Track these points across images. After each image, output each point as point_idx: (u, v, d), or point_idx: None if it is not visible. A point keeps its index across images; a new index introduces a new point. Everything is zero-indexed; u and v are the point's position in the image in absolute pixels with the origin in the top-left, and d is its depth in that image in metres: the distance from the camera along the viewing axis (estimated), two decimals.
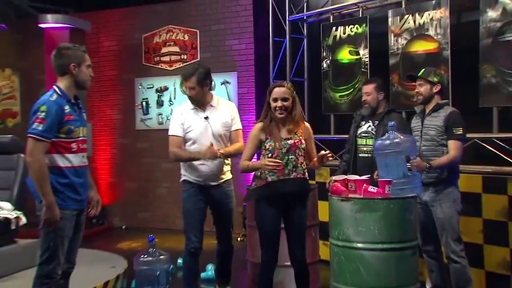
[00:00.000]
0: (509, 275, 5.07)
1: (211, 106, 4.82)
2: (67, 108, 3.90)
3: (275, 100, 4.38)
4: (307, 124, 4.58)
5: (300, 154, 4.43)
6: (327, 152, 4.41)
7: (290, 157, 4.39)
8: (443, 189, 4.54)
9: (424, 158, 4.52)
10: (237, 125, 4.93)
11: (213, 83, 4.89)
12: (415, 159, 4.40)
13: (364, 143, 5.17)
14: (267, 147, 4.40)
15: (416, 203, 4.38)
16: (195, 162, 4.74)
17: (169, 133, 4.83)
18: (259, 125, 4.48)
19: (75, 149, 3.95)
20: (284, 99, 4.37)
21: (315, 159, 4.44)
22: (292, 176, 4.39)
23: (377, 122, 5.09)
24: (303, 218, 4.55)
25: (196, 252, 4.79)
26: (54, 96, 3.88)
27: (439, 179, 4.53)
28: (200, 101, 4.76)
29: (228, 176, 4.97)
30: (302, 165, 4.44)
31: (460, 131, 4.50)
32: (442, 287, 4.75)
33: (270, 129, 4.42)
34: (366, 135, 5.16)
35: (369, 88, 5.16)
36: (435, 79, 4.65)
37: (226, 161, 4.90)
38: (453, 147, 4.49)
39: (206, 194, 4.85)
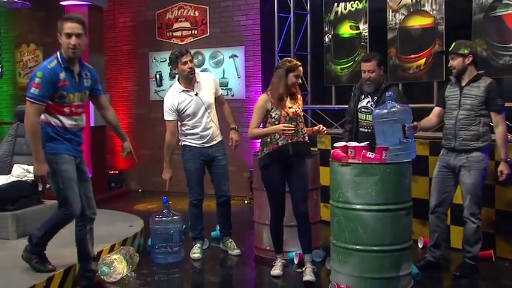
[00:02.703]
0: (494, 233, 5.14)
1: (197, 82, 5.20)
2: (62, 75, 4.00)
3: (297, 77, 4.60)
4: (300, 96, 4.81)
5: (300, 121, 4.66)
6: (320, 127, 4.63)
7: (293, 123, 4.57)
8: (475, 157, 4.48)
9: (460, 125, 4.49)
10: (220, 90, 5.50)
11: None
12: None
13: (364, 119, 5.13)
14: (272, 115, 4.58)
15: (410, 168, 4.40)
16: (197, 130, 5.18)
17: (165, 118, 5.24)
18: (265, 96, 4.66)
19: (68, 113, 4.09)
20: (301, 78, 4.67)
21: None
22: (294, 140, 4.60)
23: (376, 97, 5.01)
24: (304, 175, 4.74)
25: (198, 203, 5.34)
26: (52, 64, 4.00)
27: (474, 147, 4.47)
28: (193, 78, 5.16)
29: (219, 138, 5.36)
30: (302, 130, 4.66)
31: (501, 102, 4.44)
32: (442, 246, 4.77)
33: (279, 99, 4.59)
34: (366, 110, 5.10)
35: (372, 66, 4.96)
36: (466, 51, 4.48)
37: (217, 126, 5.34)
38: (499, 120, 4.43)
39: (203, 154, 5.26)
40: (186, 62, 5.05)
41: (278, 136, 4.56)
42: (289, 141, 4.58)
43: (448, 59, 4.64)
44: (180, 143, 5.32)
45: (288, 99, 4.66)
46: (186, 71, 5.07)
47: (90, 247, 4.35)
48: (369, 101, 5.09)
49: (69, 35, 3.99)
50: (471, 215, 4.52)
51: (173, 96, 5.16)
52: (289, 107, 4.62)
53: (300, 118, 4.66)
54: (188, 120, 5.18)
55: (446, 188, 4.65)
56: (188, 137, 5.25)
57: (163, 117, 5.25)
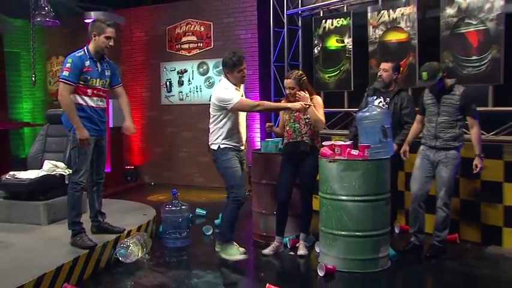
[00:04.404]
0: (459, 219, 5.19)
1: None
2: (87, 63, 4.37)
3: (286, 88, 4.73)
4: (316, 97, 4.76)
5: (303, 123, 4.68)
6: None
7: (296, 125, 4.70)
8: (452, 154, 4.48)
9: (440, 129, 4.49)
10: None
11: None
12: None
13: None
14: (284, 118, 4.86)
15: (389, 163, 4.43)
16: (236, 130, 4.62)
17: (236, 99, 4.48)
18: (281, 101, 4.95)
19: (90, 94, 4.44)
20: (290, 88, 4.66)
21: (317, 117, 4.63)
22: (298, 140, 4.70)
23: (388, 98, 5.03)
24: (306, 172, 4.73)
25: (244, 202, 4.65)
26: (80, 53, 4.39)
27: (452, 146, 4.47)
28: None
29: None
30: (303, 131, 4.68)
31: (475, 107, 4.45)
32: (424, 230, 4.74)
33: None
34: None
35: (387, 66, 5.07)
36: (440, 74, 4.39)
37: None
38: (474, 123, 4.43)
39: (238, 156, 4.70)
40: (241, 70, 4.59)
41: (285, 135, 4.78)
42: (291, 140, 4.72)
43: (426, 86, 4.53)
44: (215, 147, 4.62)
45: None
46: (240, 77, 4.60)
47: (97, 203, 4.79)
48: (380, 101, 5.08)
49: (109, 38, 4.40)
50: (444, 205, 4.52)
51: (230, 87, 4.59)
52: (294, 112, 4.68)
53: (302, 121, 4.66)
54: (234, 117, 4.61)
55: (426, 179, 4.63)
56: (228, 139, 4.60)
57: (229, 104, 4.50)
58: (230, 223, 4.65)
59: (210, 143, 4.70)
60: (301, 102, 4.54)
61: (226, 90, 4.55)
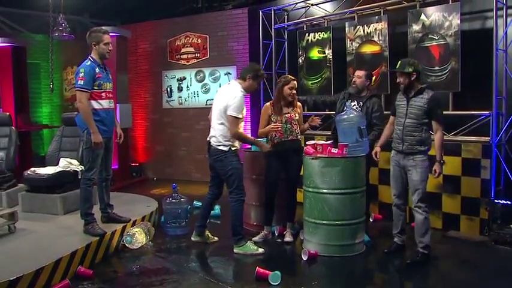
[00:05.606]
0: (441, 192, 5.20)
1: None
2: (97, 70, 4.37)
3: (291, 88, 4.66)
4: (299, 103, 4.85)
5: (294, 123, 4.68)
6: (312, 118, 4.72)
7: (288, 125, 4.66)
8: (420, 158, 4.13)
9: (406, 132, 4.17)
10: None
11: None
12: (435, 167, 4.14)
13: None
14: (272, 119, 4.68)
15: (365, 160, 4.46)
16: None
17: (239, 116, 4.30)
18: (267, 104, 4.82)
19: (104, 97, 4.45)
20: (294, 88, 4.70)
21: (303, 125, 4.80)
22: (289, 138, 4.67)
23: (361, 103, 4.97)
24: (293, 167, 4.74)
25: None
26: (89, 62, 4.40)
27: (418, 150, 4.14)
28: None
29: None
30: (296, 130, 4.69)
31: (441, 112, 4.14)
32: (405, 231, 4.49)
33: (278, 107, 4.67)
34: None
35: (361, 73, 4.96)
36: (410, 69, 4.07)
37: None
38: (438, 128, 4.11)
39: None
40: (260, 83, 4.54)
41: (274, 135, 4.65)
42: (283, 139, 4.65)
43: (396, 75, 4.27)
44: (225, 148, 4.38)
45: (286, 106, 4.69)
46: (254, 88, 4.50)
47: (106, 196, 4.79)
48: (355, 104, 5.05)
49: (107, 43, 4.43)
50: (418, 207, 4.17)
51: (243, 98, 4.38)
52: (286, 113, 4.67)
53: (294, 121, 4.66)
54: (243, 123, 4.52)
55: (401, 185, 4.33)
56: (236, 142, 4.45)
57: (232, 115, 4.28)
58: (240, 221, 4.50)
59: (217, 143, 4.39)
60: (267, 146, 4.59)
61: (239, 104, 4.28)
